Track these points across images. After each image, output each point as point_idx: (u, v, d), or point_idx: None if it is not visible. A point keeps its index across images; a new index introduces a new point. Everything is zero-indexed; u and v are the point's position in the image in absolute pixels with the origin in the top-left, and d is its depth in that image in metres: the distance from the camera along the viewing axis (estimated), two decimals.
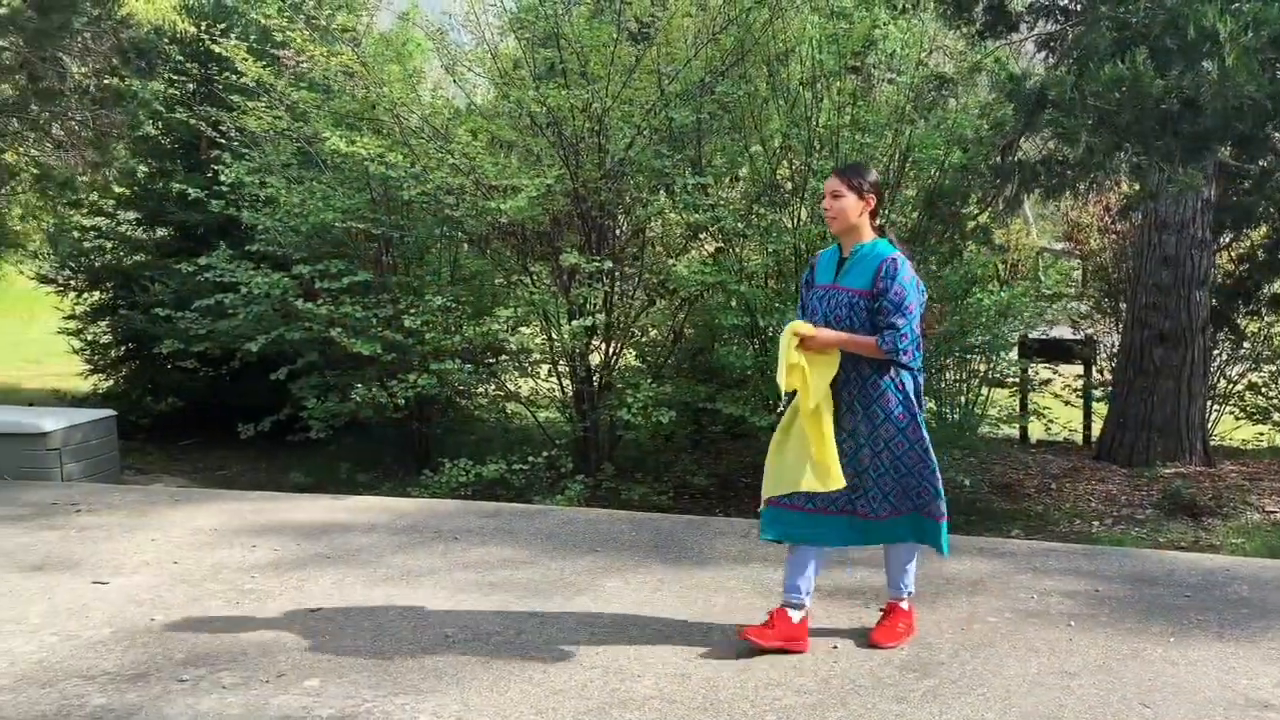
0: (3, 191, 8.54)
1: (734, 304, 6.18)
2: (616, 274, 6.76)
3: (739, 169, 7.16)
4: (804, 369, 3.49)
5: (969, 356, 7.51)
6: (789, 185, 6.81)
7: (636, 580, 4.43)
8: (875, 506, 3.63)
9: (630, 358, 7.39)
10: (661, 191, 6.73)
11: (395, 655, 3.63)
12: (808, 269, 3.81)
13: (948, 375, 7.78)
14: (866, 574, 4.56)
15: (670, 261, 6.92)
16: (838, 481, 3.48)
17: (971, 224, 6.91)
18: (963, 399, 8.03)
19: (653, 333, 7.46)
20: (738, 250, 6.57)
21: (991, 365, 7.74)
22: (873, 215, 3.62)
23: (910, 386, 3.60)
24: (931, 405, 7.46)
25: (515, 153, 7.20)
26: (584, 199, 6.67)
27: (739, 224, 6.26)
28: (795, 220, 6.59)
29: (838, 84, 6.56)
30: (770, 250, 6.30)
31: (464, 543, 4.99)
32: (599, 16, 7.22)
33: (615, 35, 6.68)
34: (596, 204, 6.78)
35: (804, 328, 3.49)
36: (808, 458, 3.51)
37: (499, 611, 4.07)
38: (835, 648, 3.73)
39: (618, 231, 7.33)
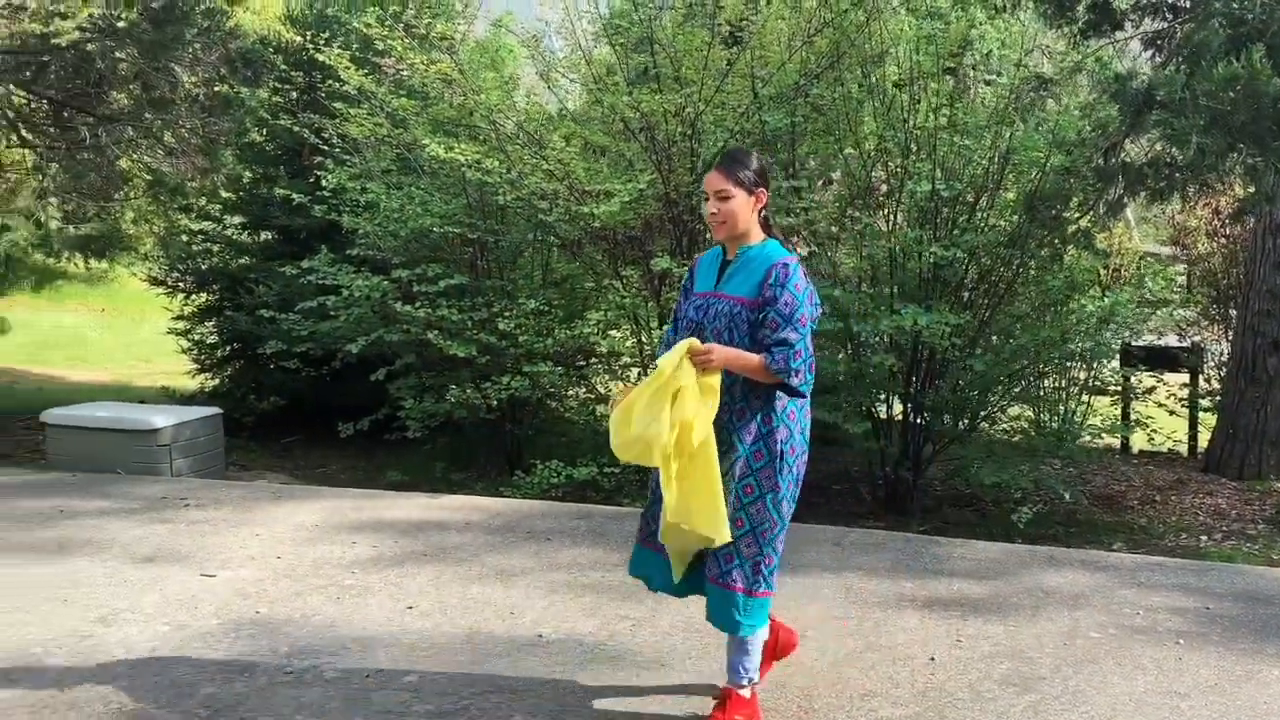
0: (116, 197, 8.88)
1: (827, 309, 6.11)
2: None
3: (832, 171, 7.09)
4: (690, 400, 2.82)
5: (1069, 363, 7.32)
6: (883, 188, 6.73)
7: None
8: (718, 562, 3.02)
9: None
10: None
11: (490, 654, 3.68)
12: (687, 273, 3.25)
13: (1046, 382, 7.60)
14: (964, 584, 4.48)
15: None
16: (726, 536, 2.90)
17: (1073, 228, 6.73)
18: (1062, 407, 7.83)
19: None
20: (830, 254, 6.51)
21: (1093, 373, 7.52)
22: (759, 211, 3.06)
23: (798, 420, 3.03)
24: (1029, 413, 7.29)
25: (607, 157, 7.25)
26: (676, 203, 6.69)
27: (833, 227, 6.20)
28: (890, 223, 6.50)
29: (934, 85, 6.46)
30: (864, 254, 6.23)
31: (556, 544, 5.03)
32: (691, 20, 7.24)
33: (709, 39, 6.68)
34: (688, 208, 6.78)
35: (696, 345, 2.88)
36: (697, 502, 2.87)
37: (592, 613, 4.10)
38: (932, 659, 3.67)
39: (708, 235, 7.32)
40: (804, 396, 2.99)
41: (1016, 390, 6.72)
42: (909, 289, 6.29)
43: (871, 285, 6.56)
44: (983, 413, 6.74)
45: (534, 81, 9.39)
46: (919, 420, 6.50)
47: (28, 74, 8.68)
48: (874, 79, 6.65)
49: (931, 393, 6.37)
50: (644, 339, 7.01)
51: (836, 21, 6.41)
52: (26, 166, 8.80)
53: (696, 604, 4.17)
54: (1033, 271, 6.63)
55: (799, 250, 7.01)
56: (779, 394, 2.97)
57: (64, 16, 7.04)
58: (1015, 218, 6.52)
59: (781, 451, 2.95)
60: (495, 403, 6.76)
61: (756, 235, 3.06)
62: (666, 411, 2.80)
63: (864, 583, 4.49)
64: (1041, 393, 7.35)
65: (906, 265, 6.31)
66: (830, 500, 6.65)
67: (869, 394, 6.43)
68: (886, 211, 6.65)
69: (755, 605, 3.00)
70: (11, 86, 8.79)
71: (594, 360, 7.68)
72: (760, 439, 2.95)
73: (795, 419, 3.02)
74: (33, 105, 9.23)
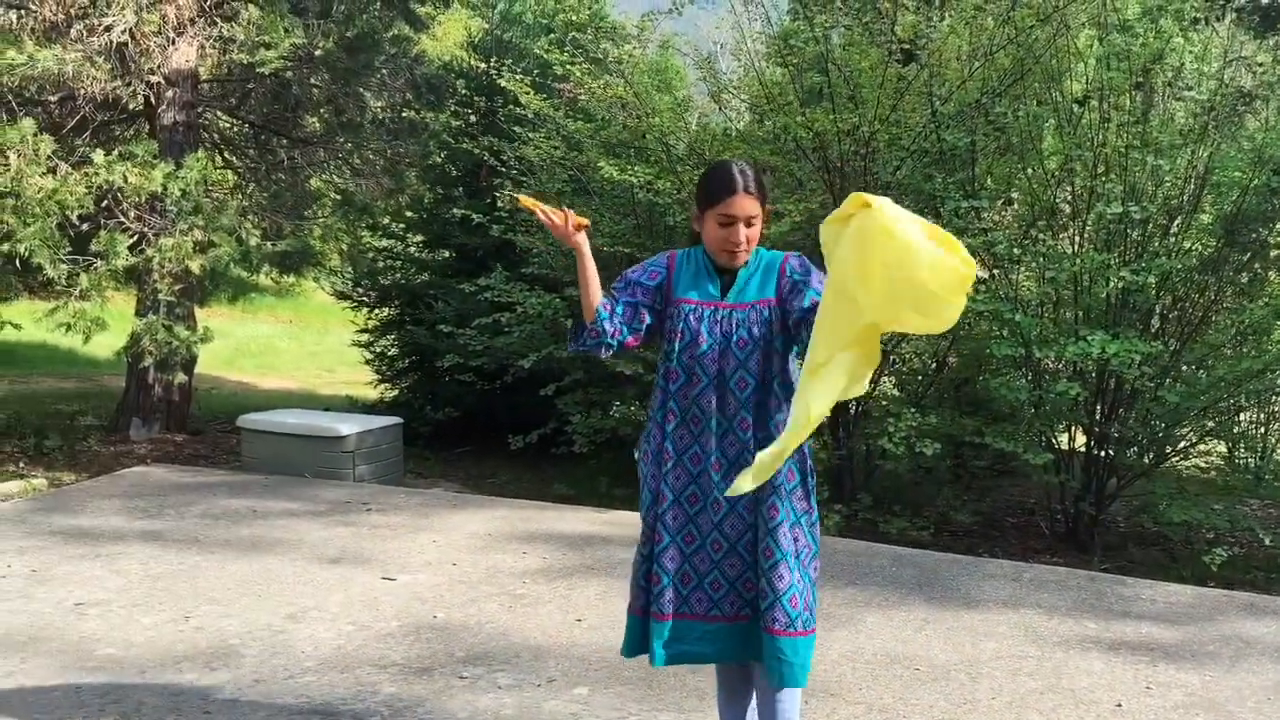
0: (306, 214, 9.41)
1: (1007, 334, 5.91)
2: None
3: (1013, 191, 6.86)
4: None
5: (1272, 397, 6.84)
6: (1066, 209, 6.46)
7: (899, 617, 4.31)
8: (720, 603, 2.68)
9: (888, 385, 7.22)
10: (930, 215, 6.54)
11: (659, 672, 3.70)
12: (655, 266, 2.78)
13: (1243, 416, 7.11)
14: (1153, 628, 4.23)
15: None
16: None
17: (1276, 252, 6.30)
18: (1261, 444, 7.32)
19: (913, 360, 7.26)
20: (1011, 276, 6.28)
21: None
22: None
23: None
24: (1222, 448, 6.85)
25: (777, 177, 7.22)
26: None
27: (1014, 249, 5.99)
28: (1075, 246, 6.23)
29: (1126, 102, 6.17)
30: (1047, 277, 5.99)
31: None
32: (867, 39, 7.15)
33: (885, 58, 6.58)
34: None
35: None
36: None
37: None
38: (1119, 705, 3.48)
39: None
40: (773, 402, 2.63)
41: (1210, 424, 6.32)
42: (1095, 314, 6.01)
43: (1054, 310, 6.30)
44: (1171, 447, 6.37)
45: (704, 103, 9.46)
46: (1103, 453, 6.19)
47: (232, 101, 9.34)
48: (1058, 96, 6.41)
49: (1117, 424, 6.06)
50: None
51: (1021, 38, 6.21)
52: (228, 187, 9.44)
53: (867, 633, 4.10)
54: (1229, 299, 6.24)
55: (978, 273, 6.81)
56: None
57: (268, 46, 7.52)
58: (1212, 241, 6.15)
59: (811, 468, 2.68)
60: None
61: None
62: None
63: (1044, 621, 4.29)
64: (1237, 429, 6.88)
65: (1092, 290, 6.03)
66: (1006, 533, 6.40)
67: (1049, 423, 6.17)
68: (1071, 233, 6.38)
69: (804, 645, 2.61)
70: (218, 113, 9.47)
71: None
72: (790, 459, 2.53)
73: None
74: (235, 130, 9.91)
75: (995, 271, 6.23)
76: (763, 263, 2.67)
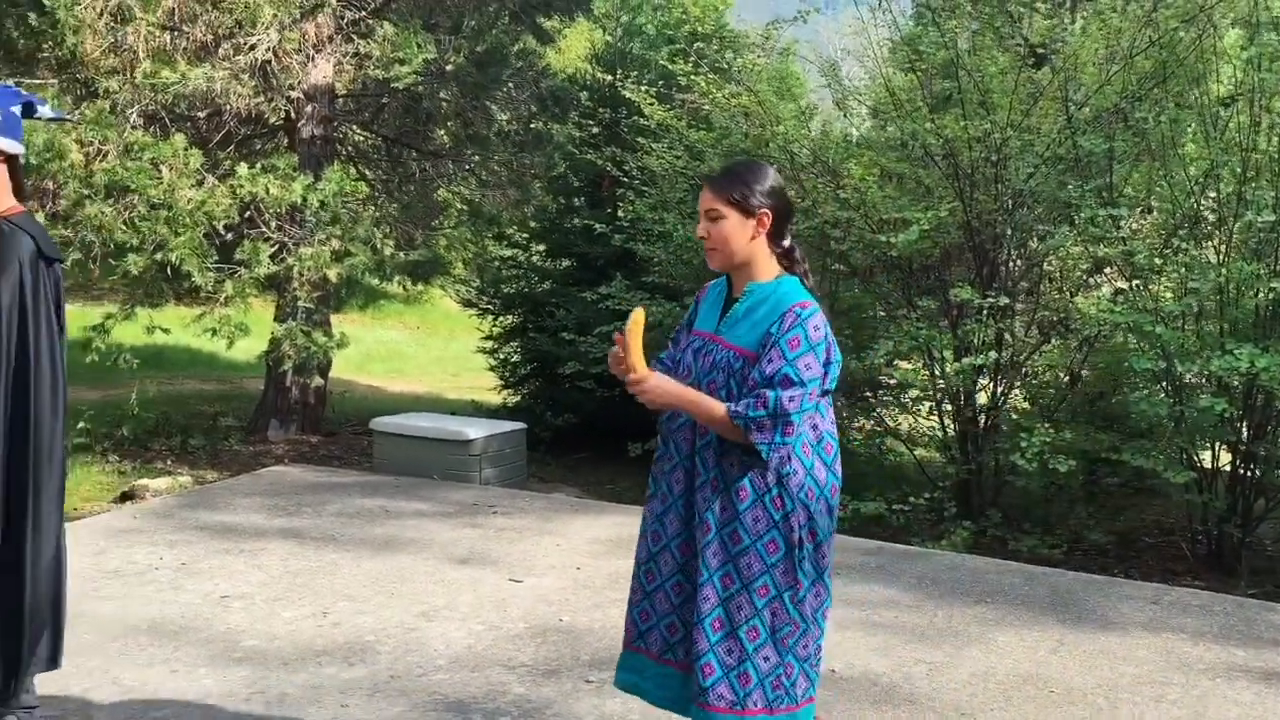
0: (433, 225, 9.69)
1: (1147, 347, 5.68)
2: (1010, 310, 6.46)
3: (1152, 199, 6.60)
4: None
5: None
6: (1211, 217, 6.18)
7: (1031, 637, 4.19)
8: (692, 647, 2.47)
9: (1019, 399, 7.02)
10: (1064, 224, 6.35)
11: None
12: (693, 302, 2.70)
13: None
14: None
15: (1073, 299, 6.50)
16: None
17: None
18: None
19: (1045, 374, 7.04)
20: (1151, 288, 6.04)
21: None
22: (772, 239, 2.48)
23: (820, 495, 2.40)
24: None
25: (903, 184, 7.11)
26: (978, 231, 6.45)
27: (1155, 259, 5.76)
28: (1220, 255, 5.96)
29: (1278, 104, 5.87)
30: (1190, 288, 5.74)
31: (844, 578, 4.96)
32: (996, 43, 6.99)
33: (1018, 62, 6.43)
34: (991, 236, 6.53)
35: (634, 347, 2.41)
36: None
37: (885, 653, 4.00)
38: None
39: (1010, 265, 7.01)
40: (762, 458, 2.34)
41: None
42: (1242, 327, 5.74)
43: (1196, 322, 6.04)
44: None
45: (823, 109, 9.38)
46: (1250, 472, 5.89)
47: (366, 115, 9.68)
48: (1201, 99, 6.15)
49: (1266, 442, 5.76)
50: (937, 371, 6.80)
51: (1165, 40, 5.98)
52: (361, 198, 9.78)
53: (999, 652, 4.00)
54: None
55: (1116, 283, 6.57)
56: (792, 466, 2.37)
57: (402, 62, 7.78)
58: None
59: (800, 539, 2.38)
60: None
61: (766, 269, 2.48)
62: None
63: (1187, 647, 4.11)
64: None
65: (1240, 301, 5.76)
66: (1142, 554, 6.15)
67: (1190, 440, 5.91)
68: (1216, 242, 6.10)
69: None
70: (353, 127, 9.83)
71: (881, 392, 7.53)
72: (773, 527, 2.36)
73: (817, 496, 2.40)
74: (369, 143, 10.27)
75: (1134, 282, 6.00)
76: (766, 299, 2.43)
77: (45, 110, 3.10)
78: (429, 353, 16.95)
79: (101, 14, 7.00)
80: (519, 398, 9.90)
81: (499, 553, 5.26)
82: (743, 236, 2.43)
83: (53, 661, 3.02)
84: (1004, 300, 6.10)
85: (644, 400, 2.40)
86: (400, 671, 3.74)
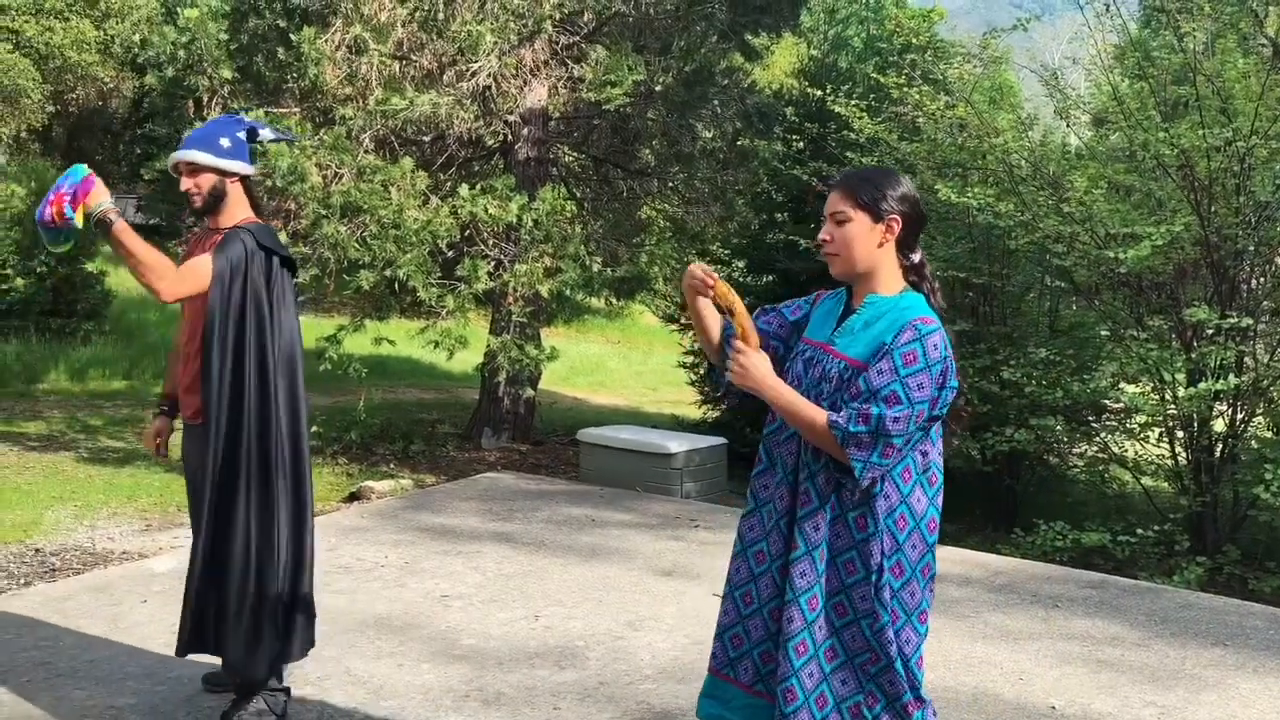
0: (635, 241, 9.87)
1: None
2: (1252, 332, 5.99)
3: None
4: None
5: None
6: None
7: (1279, 687, 3.85)
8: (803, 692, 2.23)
9: (1262, 427, 6.49)
10: None
11: (999, 717, 3.53)
12: (805, 302, 2.51)
13: None
14: None
15: None
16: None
17: None
18: None
19: None
20: None
21: None
22: (901, 250, 2.29)
23: (913, 525, 2.20)
24: None
25: (1132, 197, 6.72)
26: (1216, 247, 6.02)
27: None
28: None
29: None
30: None
31: (1065, 611, 4.72)
32: (1236, 45, 6.51)
33: (1264, 64, 5.96)
34: (1231, 252, 6.08)
35: (743, 311, 2.30)
36: None
37: (1110, 692, 3.78)
38: None
39: (1253, 284, 6.50)
40: (854, 476, 2.14)
41: None
42: None
43: None
44: None
45: (1042, 118, 8.97)
46: None
47: (577, 136, 9.99)
48: None
49: None
50: (1167, 396, 6.37)
51: None
52: (569, 217, 10.08)
53: (1241, 700, 3.71)
54: None
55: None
56: (885, 488, 2.18)
57: (613, 84, 7.98)
58: None
59: (881, 567, 2.18)
60: (993, 454, 6.51)
61: (890, 282, 2.28)
62: None
63: None
64: None
65: None
66: None
67: None
68: None
69: None
70: (565, 148, 10.17)
71: (1106, 417, 7.13)
72: (852, 546, 2.20)
73: (909, 527, 2.19)
74: (578, 163, 10.59)
75: None
76: (887, 313, 2.23)
77: (266, 133, 3.39)
78: (629, 366, 17.28)
79: (339, 46, 7.55)
80: (719, 413, 9.94)
81: (701, 566, 5.29)
82: (869, 242, 2.25)
83: (304, 650, 3.27)
84: (1246, 321, 5.66)
85: (735, 373, 2.24)
86: (609, 678, 3.82)
